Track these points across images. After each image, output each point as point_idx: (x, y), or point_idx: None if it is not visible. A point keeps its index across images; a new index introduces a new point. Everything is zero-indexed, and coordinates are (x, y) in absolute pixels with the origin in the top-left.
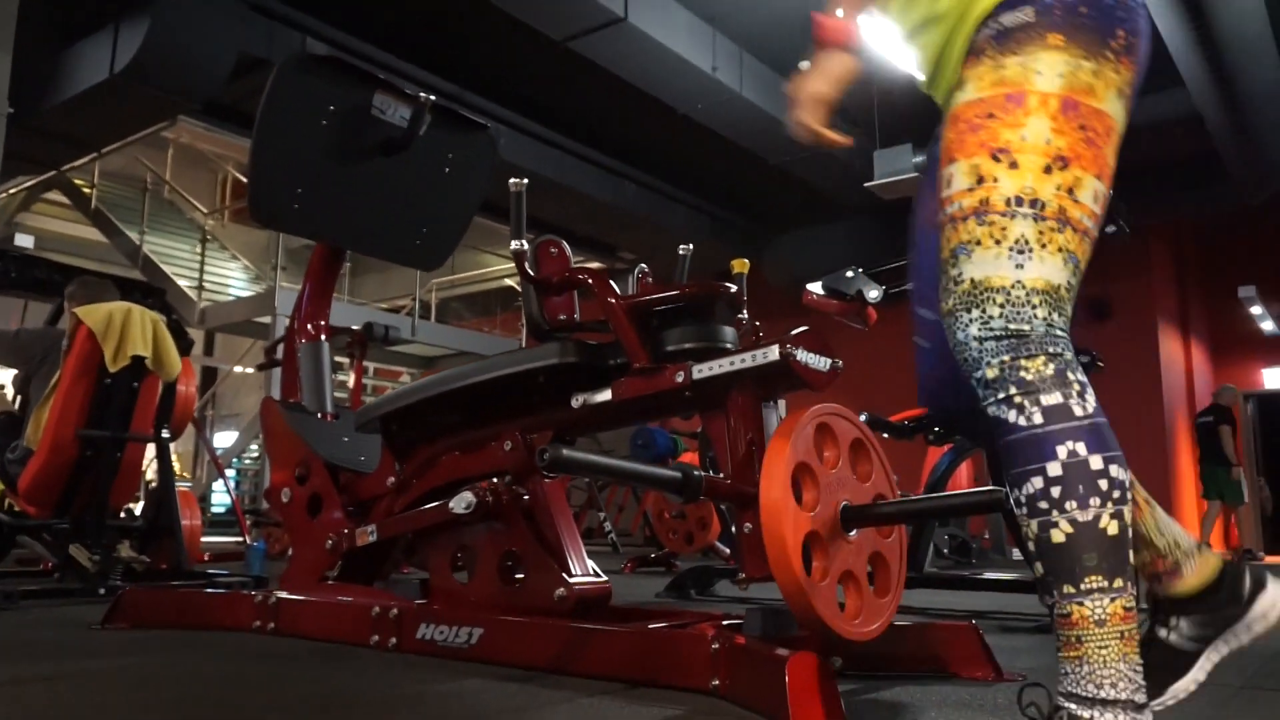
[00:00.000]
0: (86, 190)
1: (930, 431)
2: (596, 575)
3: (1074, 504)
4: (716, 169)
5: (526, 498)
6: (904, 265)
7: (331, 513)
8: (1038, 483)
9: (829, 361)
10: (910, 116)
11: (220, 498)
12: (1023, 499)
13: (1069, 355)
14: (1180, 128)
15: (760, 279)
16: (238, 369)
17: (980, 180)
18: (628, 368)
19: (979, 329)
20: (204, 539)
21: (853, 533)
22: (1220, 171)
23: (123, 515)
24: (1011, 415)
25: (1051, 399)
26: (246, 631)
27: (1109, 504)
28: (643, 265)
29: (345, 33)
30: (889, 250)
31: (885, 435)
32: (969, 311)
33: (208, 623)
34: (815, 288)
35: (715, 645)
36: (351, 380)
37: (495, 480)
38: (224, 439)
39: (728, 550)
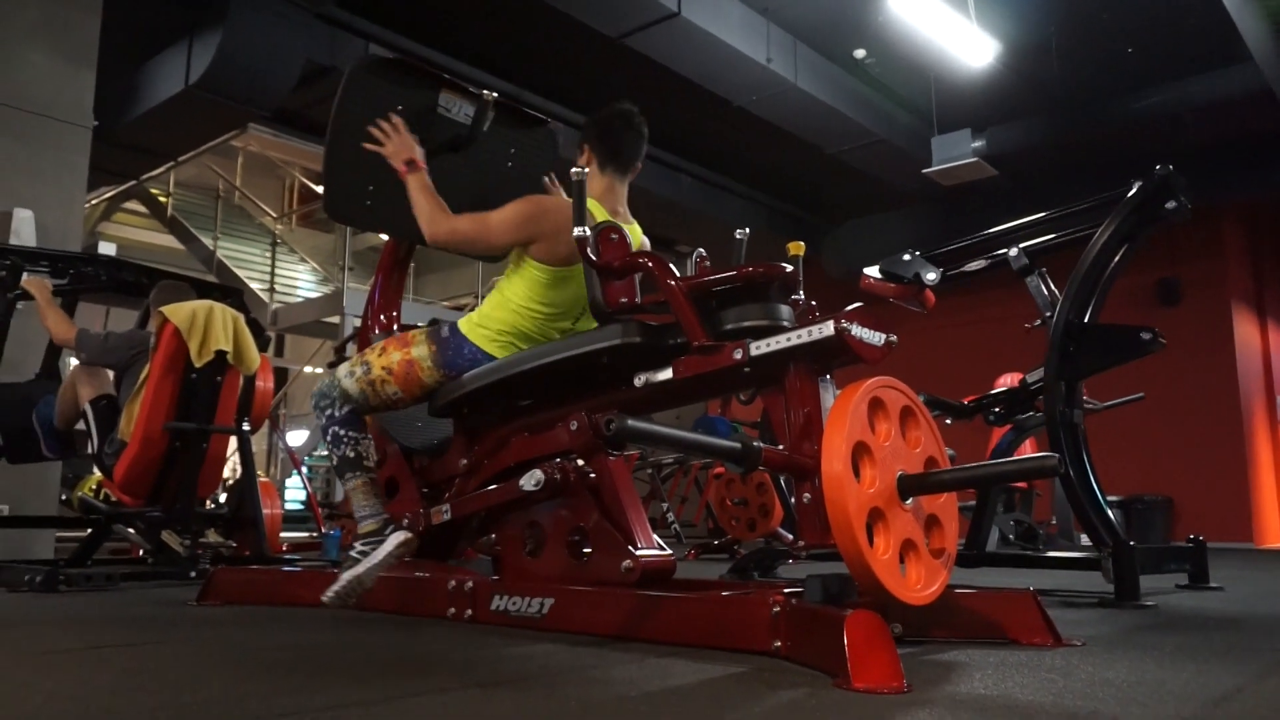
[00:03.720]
0: (163, 199)
1: (990, 412)
2: (661, 549)
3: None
4: (772, 160)
5: (593, 476)
6: (963, 247)
7: (407, 494)
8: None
9: (883, 337)
10: (967, 102)
11: (293, 494)
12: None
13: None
14: (1251, 104)
15: (818, 270)
16: (308, 369)
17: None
18: (688, 347)
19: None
20: (280, 534)
21: (909, 500)
22: None
23: (209, 505)
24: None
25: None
26: (330, 607)
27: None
28: (700, 250)
29: (406, 38)
30: (950, 237)
31: (947, 418)
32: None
33: (294, 599)
34: (872, 271)
35: (776, 609)
36: None
37: (563, 459)
38: (294, 439)
39: (790, 536)
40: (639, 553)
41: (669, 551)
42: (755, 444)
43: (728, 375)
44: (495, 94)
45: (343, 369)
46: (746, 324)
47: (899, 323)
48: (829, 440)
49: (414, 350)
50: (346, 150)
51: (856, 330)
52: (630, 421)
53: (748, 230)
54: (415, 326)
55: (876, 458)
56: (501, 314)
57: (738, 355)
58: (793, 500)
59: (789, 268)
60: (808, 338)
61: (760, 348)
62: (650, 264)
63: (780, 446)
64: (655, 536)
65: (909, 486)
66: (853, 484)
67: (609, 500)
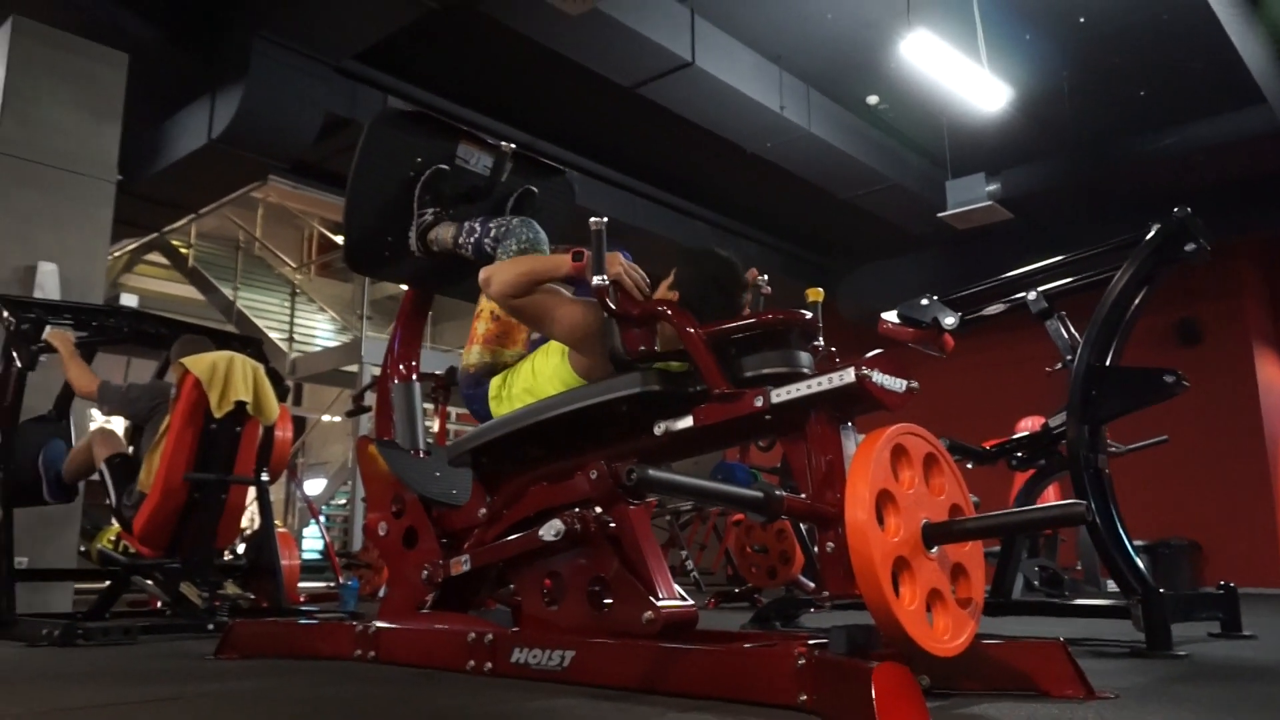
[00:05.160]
0: (184, 250)
1: (1013, 457)
2: (683, 599)
3: None
4: (787, 206)
5: (613, 525)
6: (981, 291)
7: (426, 544)
8: None
9: (904, 383)
10: (981, 146)
11: (310, 543)
12: None
13: None
14: (1264, 143)
15: (834, 314)
16: (325, 418)
17: None
18: (707, 395)
19: None
20: (299, 584)
21: (934, 549)
22: None
23: (226, 556)
24: None
25: None
26: (348, 660)
27: None
28: None
29: (423, 89)
30: (965, 281)
31: (969, 463)
32: None
33: (312, 652)
34: (890, 316)
35: (801, 661)
36: (436, 424)
37: (582, 509)
38: (312, 487)
39: (812, 584)
40: (660, 603)
41: (691, 602)
42: (777, 492)
43: (748, 423)
44: (513, 145)
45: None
46: (766, 371)
47: (918, 367)
48: (852, 488)
49: (486, 355)
50: (367, 202)
51: (877, 377)
52: (651, 471)
53: (765, 277)
54: (433, 376)
55: (900, 506)
56: (527, 401)
57: (758, 403)
58: (815, 549)
59: (808, 314)
60: (828, 385)
61: (781, 395)
62: (669, 312)
63: (802, 495)
64: (676, 586)
65: (934, 535)
66: (877, 532)
67: (629, 549)
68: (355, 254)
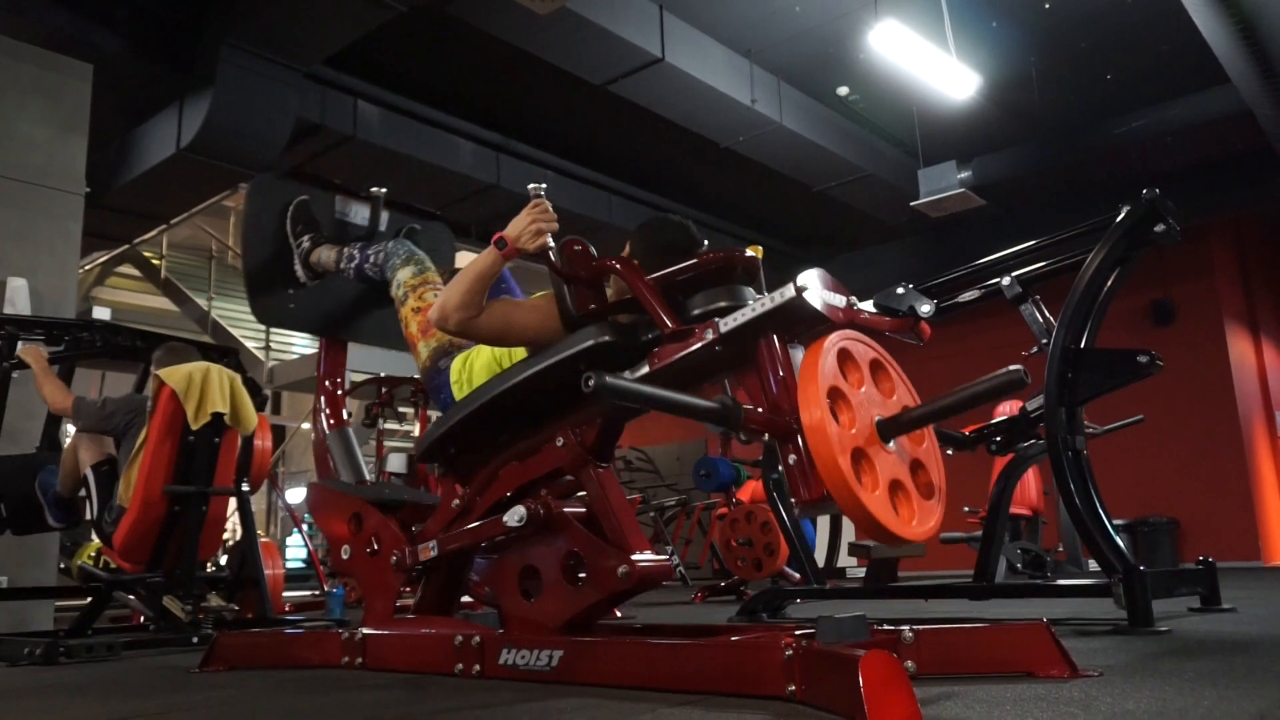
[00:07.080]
0: (156, 261)
1: (992, 441)
2: (657, 555)
3: None
4: (762, 199)
5: (581, 493)
6: (956, 278)
7: (390, 540)
8: None
9: (844, 298)
10: (952, 134)
11: (294, 552)
12: None
13: None
14: (1231, 124)
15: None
16: (305, 426)
17: None
18: (660, 339)
19: None
20: (283, 593)
21: (891, 444)
22: (1277, 165)
23: (209, 568)
24: None
25: None
26: (336, 668)
27: None
28: None
29: (395, 93)
30: (940, 268)
31: (948, 449)
32: None
33: (299, 661)
34: (867, 306)
35: (789, 652)
36: (417, 428)
37: (543, 492)
38: (294, 496)
39: (798, 575)
40: (634, 558)
41: (665, 557)
42: (735, 402)
43: (702, 358)
44: (384, 190)
45: (406, 272)
46: (713, 307)
47: (896, 355)
48: (804, 390)
49: (431, 341)
50: (262, 259)
51: (815, 289)
52: (609, 378)
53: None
54: (412, 380)
55: (852, 403)
56: (486, 376)
57: (709, 335)
58: (780, 466)
59: (750, 252)
60: (771, 304)
61: (728, 323)
62: (616, 264)
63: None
64: (650, 544)
65: (889, 429)
66: (834, 426)
67: (599, 510)
68: (260, 308)
